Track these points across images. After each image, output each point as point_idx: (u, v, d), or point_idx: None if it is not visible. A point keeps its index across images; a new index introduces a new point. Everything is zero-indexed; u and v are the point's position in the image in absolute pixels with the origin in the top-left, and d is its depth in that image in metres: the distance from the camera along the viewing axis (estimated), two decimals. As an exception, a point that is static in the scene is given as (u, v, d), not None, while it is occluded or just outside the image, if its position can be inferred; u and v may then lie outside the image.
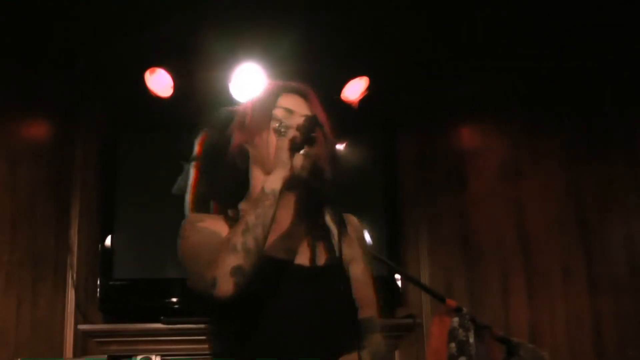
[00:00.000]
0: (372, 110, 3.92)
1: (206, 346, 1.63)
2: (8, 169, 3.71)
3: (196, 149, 1.75)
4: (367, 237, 1.82)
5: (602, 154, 3.77)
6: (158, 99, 3.74)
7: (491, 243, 3.90)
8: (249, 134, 1.67)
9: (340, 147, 3.74)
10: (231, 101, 3.51)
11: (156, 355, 3.65)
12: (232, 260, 1.45)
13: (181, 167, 1.76)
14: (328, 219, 1.69)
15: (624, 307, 3.58)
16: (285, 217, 1.62)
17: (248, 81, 3.62)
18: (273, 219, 1.50)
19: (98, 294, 3.84)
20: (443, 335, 2.60)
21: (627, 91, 3.74)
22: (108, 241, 3.88)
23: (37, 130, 4.00)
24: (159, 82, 3.72)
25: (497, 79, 3.95)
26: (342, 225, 1.58)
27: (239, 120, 1.71)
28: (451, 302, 2.67)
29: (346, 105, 3.78)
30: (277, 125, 1.56)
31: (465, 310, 2.66)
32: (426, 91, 4.06)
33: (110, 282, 3.84)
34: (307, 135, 1.53)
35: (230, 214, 1.66)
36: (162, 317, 3.68)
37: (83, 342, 3.81)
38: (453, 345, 2.58)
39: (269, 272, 1.52)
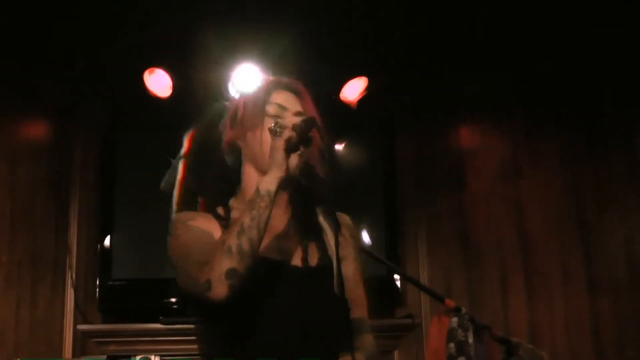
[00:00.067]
0: (371, 111, 3.92)
1: (206, 347, 1.62)
2: (8, 169, 3.71)
3: (185, 144, 1.74)
4: (362, 236, 1.82)
5: (602, 154, 3.77)
6: (158, 99, 3.74)
7: (490, 243, 3.90)
8: (241, 130, 1.65)
9: (336, 146, 3.76)
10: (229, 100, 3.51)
11: (155, 355, 3.66)
12: (227, 263, 1.43)
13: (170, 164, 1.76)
14: (321, 218, 1.68)
15: (623, 307, 3.58)
16: (278, 217, 1.61)
17: (247, 81, 3.62)
18: (268, 220, 1.48)
19: (97, 294, 3.84)
20: (442, 336, 2.60)
21: (627, 91, 3.74)
22: (107, 241, 3.88)
23: (37, 130, 4.01)
24: (158, 82, 3.72)
25: (497, 79, 3.95)
26: (336, 225, 1.57)
27: (230, 116, 1.69)
28: (450, 302, 2.67)
29: (345, 106, 3.78)
30: (272, 125, 1.53)
31: (464, 310, 2.65)
32: (425, 91, 4.06)
33: (110, 282, 3.84)
34: (304, 135, 1.51)
35: (220, 211, 1.65)
36: (161, 317, 3.67)
37: (82, 342, 3.80)
38: (452, 345, 2.57)
39: (262, 273, 1.50)
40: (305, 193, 1.65)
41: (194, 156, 1.73)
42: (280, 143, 1.50)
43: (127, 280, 3.86)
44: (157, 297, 3.74)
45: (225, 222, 1.60)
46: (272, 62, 3.60)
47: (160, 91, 3.73)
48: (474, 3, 3.58)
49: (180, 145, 1.81)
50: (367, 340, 1.64)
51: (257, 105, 1.64)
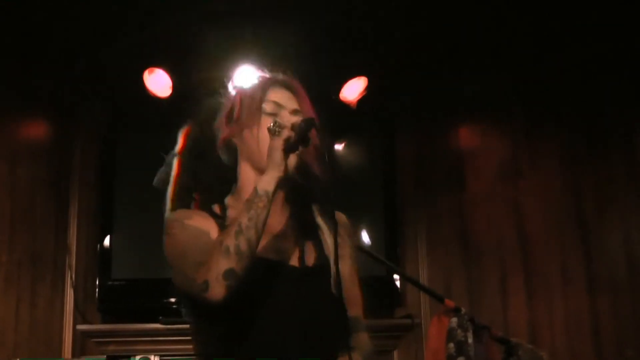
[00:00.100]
0: (370, 111, 3.93)
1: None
2: (8, 169, 3.71)
3: (180, 141, 1.72)
4: (357, 234, 1.80)
5: (602, 154, 3.77)
6: (157, 99, 3.74)
7: (490, 243, 3.90)
8: (238, 128, 1.63)
9: (336, 146, 3.76)
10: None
11: (155, 355, 3.66)
12: (225, 264, 1.42)
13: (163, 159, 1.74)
14: (318, 217, 1.66)
15: (622, 307, 3.58)
16: (274, 216, 1.58)
17: (247, 81, 3.61)
18: (266, 221, 1.47)
19: (97, 294, 3.83)
20: (441, 336, 2.59)
21: (627, 91, 3.74)
22: (107, 241, 3.88)
23: (37, 130, 4.01)
24: (158, 82, 3.72)
25: (497, 79, 3.95)
26: (334, 224, 1.55)
27: (226, 114, 1.67)
28: (450, 303, 2.66)
29: (345, 106, 3.78)
30: (271, 124, 1.52)
31: (464, 310, 2.65)
32: (425, 91, 4.06)
33: (109, 282, 3.84)
34: (303, 136, 1.50)
35: (217, 209, 1.63)
36: (160, 317, 3.67)
37: (82, 342, 3.80)
38: (451, 345, 2.57)
39: (259, 273, 1.48)
40: (301, 192, 1.63)
41: (188, 153, 1.70)
42: (279, 143, 1.49)
43: (126, 280, 3.86)
44: (157, 297, 3.73)
45: (222, 221, 1.59)
46: (272, 62, 3.60)
47: (160, 91, 3.73)
48: (474, 3, 3.58)
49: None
50: (363, 339, 1.62)
51: (253, 103, 1.63)
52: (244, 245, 1.43)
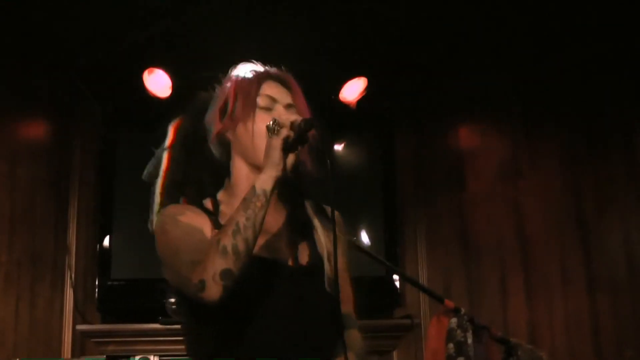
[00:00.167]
0: (370, 111, 3.92)
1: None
2: (7, 169, 3.71)
3: (170, 134, 1.68)
4: (358, 235, 1.78)
5: (602, 154, 3.77)
6: (157, 99, 3.74)
7: (490, 243, 3.90)
8: (232, 122, 1.60)
9: (335, 146, 3.76)
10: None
11: (154, 355, 3.66)
12: (222, 263, 1.39)
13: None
14: (311, 214, 1.64)
15: (622, 307, 3.57)
16: (268, 214, 1.53)
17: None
18: (263, 220, 1.45)
19: (96, 294, 3.84)
20: (441, 336, 2.59)
21: (627, 91, 3.74)
22: (107, 241, 3.88)
23: (36, 130, 4.01)
24: (158, 82, 3.72)
25: (497, 79, 3.95)
26: (330, 222, 1.52)
27: (219, 108, 1.63)
28: (449, 303, 2.66)
29: (344, 106, 3.78)
30: (270, 122, 1.49)
31: (463, 310, 2.65)
32: (425, 91, 4.06)
33: (109, 283, 3.84)
34: (302, 135, 1.48)
35: (209, 205, 1.60)
36: (160, 318, 3.67)
37: (81, 342, 3.81)
38: (451, 345, 2.57)
39: (253, 272, 1.46)
40: (294, 189, 1.62)
41: (179, 147, 1.66)
42: (278, 142, 1.47)
43: (126, 281, 3.86)
44: (157, 297, 3.73)
45: (215, 217, 1.57)
46: (271, 61, 3.60)
47: (160, 91, 3.73)
48: (474, 3, 3.57)
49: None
50: (355, 336, 1.61)
51: (248, 98, 1.60)
52: (241, 245, 1.41)
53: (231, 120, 1.61)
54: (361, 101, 3.79)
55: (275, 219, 1.60)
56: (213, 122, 1.64)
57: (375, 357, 3.84)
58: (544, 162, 3.89)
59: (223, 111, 1.63)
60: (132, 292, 3.84)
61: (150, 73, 3.70)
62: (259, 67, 1.67)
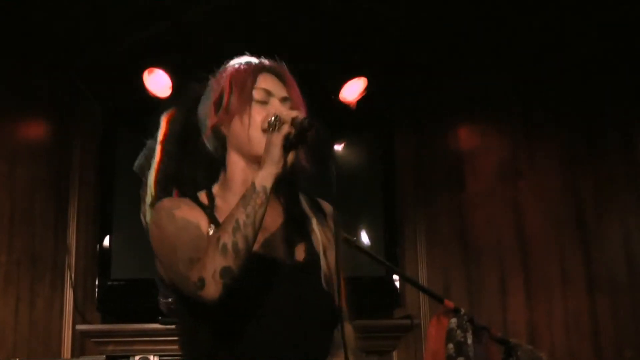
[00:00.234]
0: (370, 111, 3.92)
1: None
2: (7, 169, 3.71)
3: (162, 127, 1.65)
4: (358, 235, 1.76)
5: (602, 154, 3.77)
6: (157, 99, 3.73)
7: (489, 243, 3.90)
8: (227, 116, 1.58)
9: (335, 146, 3.75)
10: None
11: (154, 355, 3.66)
12: (221, 261, 1.38)
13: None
14: (306, 208, 1.63)
15: (622, 307, 3.58)
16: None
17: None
18: (263, 218, 1.43)
19: (96, 294, 3.83)
20: (441, 336, 2.59)
21: (627, 91, 3.75)
22: (106, 241, 3.87)
23: (36, 130, 4.01)
24: (158, 82, 3.72)
25: (497, 79, 3.95)
26: (326, 220, 1.50)
27: (214, 101, 1.61)
28: (449, 303, 2.66)
29: (344, 106, 3.77)
30: (272, 119, 1.47)
31: (463, 310, 2.65)
32: (425, 91, 4.06)
33: (109, 282, 3.83)
34: (303, 134, 1.46)
35: (203, 198, 1.58)
36: (159, 318, 3.67)
37: (81, 342, 3.80)
38: (451, 346, 2.56)
39: (252, 269, 1.44)
40: (289, 184, 1.60)
41: (171, 139, 1.62)
42: (279, 139, 1.45)
43: (126, 281, 3.85)
44: (156, 297, 3.73)
45: (210, 211, 1.55)
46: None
47: (160, 91, 3.73)
48: (474, 3, 3.57)
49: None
50: (349, 331, 1.58)
51: (243, 91, 1.57)
52: (241, 243, 1.39)
53: (226, 113, 1.58)
54: (361, 101, 3.79)
55: (271, 215, 1.56)
56: (207, 115, 1.61)
57: (375, 357, 3.84)
58: (543, 162, 3.89)
59: (218, 104, 1.60)
60: (132, 292, 3.83)
61: (150, 73, 3.70)
62: (254, 59, 1.65)
